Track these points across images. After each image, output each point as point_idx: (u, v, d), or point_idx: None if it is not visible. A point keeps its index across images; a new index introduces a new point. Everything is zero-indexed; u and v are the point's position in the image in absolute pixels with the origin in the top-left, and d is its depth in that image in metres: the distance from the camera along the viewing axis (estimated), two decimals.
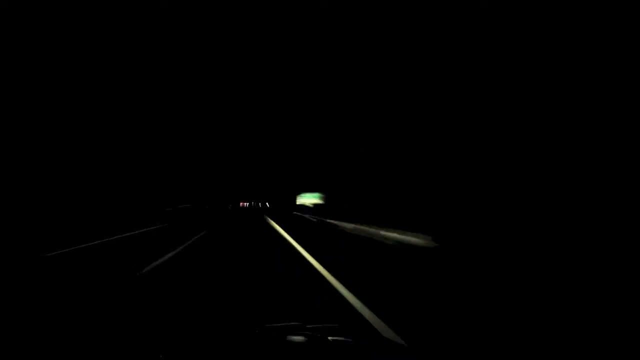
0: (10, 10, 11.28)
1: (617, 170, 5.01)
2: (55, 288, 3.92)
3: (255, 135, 35.39)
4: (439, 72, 8.93)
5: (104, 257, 6.00)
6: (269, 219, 19.54)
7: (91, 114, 17.62)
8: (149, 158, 25.73)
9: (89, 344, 1.00)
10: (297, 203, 26.50)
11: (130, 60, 17.87)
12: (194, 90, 24.20)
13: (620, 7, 5.16)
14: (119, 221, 13.98)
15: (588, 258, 4.65)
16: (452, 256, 6.31)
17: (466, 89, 8.10)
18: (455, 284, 4.29)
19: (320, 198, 21.70)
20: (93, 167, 18.02)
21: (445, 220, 8.04)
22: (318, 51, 15.57)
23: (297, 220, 18.43)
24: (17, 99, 12.75)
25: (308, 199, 23.09)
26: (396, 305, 3.30)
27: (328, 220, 15.97)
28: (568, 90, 5.74)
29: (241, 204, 63.48)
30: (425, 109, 9.62)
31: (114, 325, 1.28)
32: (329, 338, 1.01)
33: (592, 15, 5.48)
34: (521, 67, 6.64)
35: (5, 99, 12.36)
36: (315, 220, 18.07)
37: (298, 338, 1.09)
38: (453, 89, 8.52)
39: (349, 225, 12.37)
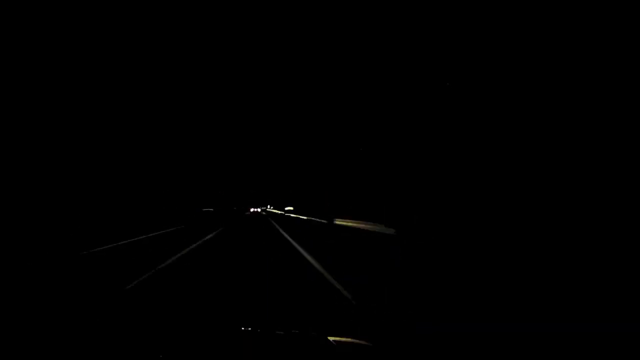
0: (11, 10, 11.35)
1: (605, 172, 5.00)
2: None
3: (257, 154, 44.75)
4: (439, 72, 8.94)
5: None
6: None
7: (114, 124, 18.02)
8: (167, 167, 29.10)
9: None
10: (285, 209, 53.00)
11: (144, 66, 18.04)
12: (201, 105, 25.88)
13: (620, 7, 5.16)
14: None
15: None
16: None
17: (466, 89, 8.11)
18: None
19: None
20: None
21: None
22: (319, 56, 15.62)
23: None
24: (27, 100, 12.83)
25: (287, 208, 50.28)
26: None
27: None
28: (566, 91, 5.74)
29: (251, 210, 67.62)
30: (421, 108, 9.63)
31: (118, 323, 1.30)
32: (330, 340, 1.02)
33: (592, 15, 5.49)
34: (521, 67, 6.65)
35: (22, 100, 12.45)
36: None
37: (301, 340, 1.09)
38: (453, 89, 8.53)
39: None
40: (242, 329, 1.17)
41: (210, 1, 15.11)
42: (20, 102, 12.53)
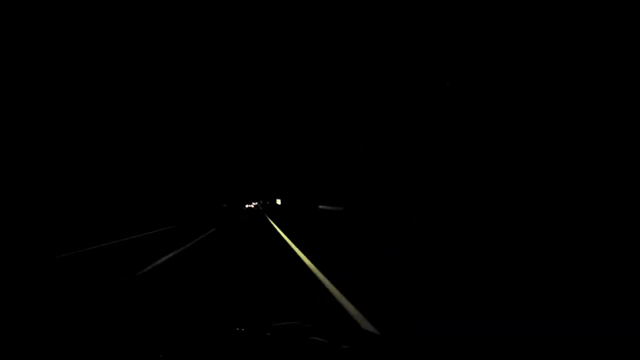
0: (11, 10, 11.35)
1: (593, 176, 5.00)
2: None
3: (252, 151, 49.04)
4: (439, 72, 8.93)
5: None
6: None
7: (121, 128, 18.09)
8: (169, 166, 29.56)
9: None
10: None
11: (148, 67, 18.05)
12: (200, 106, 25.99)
13: (620, 7, 5.16)
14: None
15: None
16: None
17: (466, 89, 8.10)
18: None
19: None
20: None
21: None
22: (319, 56, 15.60)
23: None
24: (28, 100, 12.82)
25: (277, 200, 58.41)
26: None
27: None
28: (566, 91, 5.74)
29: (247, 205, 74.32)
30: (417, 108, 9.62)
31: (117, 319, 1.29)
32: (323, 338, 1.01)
33: (592, 15, 5.48)
34: (521, 67, 6.65)
35: (22, 100, 12.45)
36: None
37: (296, 338, 1.09)
38: (453, 89, 8.53)
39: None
40: (239, 328, 1.17)
41: (211, 1, 15.11)
42: (18, 101, 12.52)
